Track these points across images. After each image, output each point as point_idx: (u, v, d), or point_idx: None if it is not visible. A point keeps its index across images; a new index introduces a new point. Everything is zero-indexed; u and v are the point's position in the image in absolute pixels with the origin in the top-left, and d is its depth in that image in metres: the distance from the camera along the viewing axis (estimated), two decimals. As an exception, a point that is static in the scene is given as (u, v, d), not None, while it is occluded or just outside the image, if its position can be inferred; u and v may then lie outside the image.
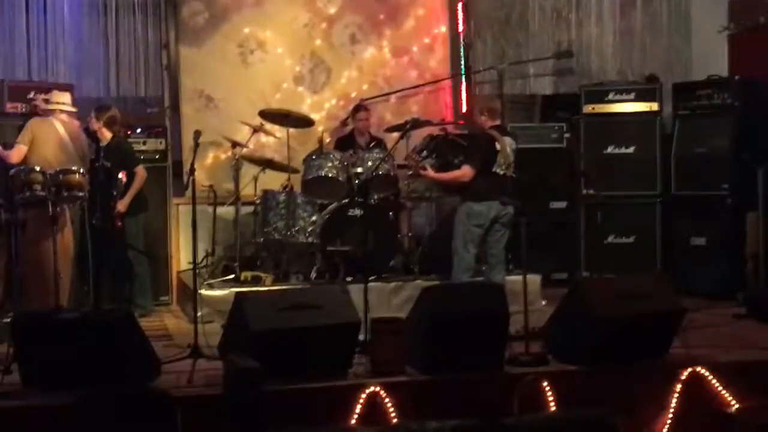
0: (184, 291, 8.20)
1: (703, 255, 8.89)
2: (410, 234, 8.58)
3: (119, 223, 7.79)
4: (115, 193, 7.72)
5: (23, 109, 8.23)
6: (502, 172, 7.29)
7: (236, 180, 8.39)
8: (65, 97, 7.66)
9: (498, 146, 7.28)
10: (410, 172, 8.17)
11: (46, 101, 7.62)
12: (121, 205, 7.78)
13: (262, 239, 8.22)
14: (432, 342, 5.59)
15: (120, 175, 7.68)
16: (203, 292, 7.52)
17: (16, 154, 7.15)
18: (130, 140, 8.35)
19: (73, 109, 7.65)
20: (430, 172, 7.67)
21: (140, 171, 7.94)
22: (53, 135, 7.33)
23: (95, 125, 7.92)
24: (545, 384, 5.43)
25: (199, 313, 6.58)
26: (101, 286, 7.80)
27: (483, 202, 7.20)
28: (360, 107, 9.16)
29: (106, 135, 7.93)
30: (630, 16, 10.45)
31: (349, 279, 7.75)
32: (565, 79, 10.34)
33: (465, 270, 7.23)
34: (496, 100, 7.83)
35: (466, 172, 7.29)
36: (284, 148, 8.61)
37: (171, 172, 8.73)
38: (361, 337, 5.75)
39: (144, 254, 8.08)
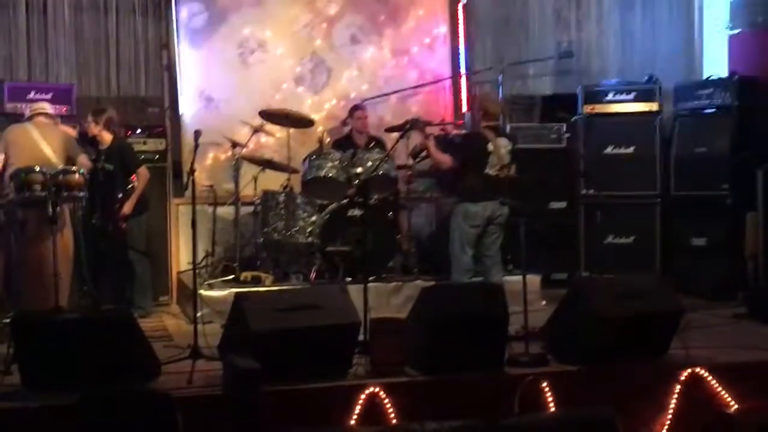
0: (184, 291, 8.21)
1: (702, 255, 8.89)
2: (410, 234, 8.58)
3: (123, 225, 7.82)
4: (120, 195, 7.76)
5: (23, 109, 8.23)
6: (494, 173, 7.28)
7: (236, 180, 8.38)
8: (43, 103, 7.70)
9: (491, 147, 7.27)
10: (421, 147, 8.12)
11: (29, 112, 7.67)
12: (127, 207, 7.80)
13: (261, 239, 8.22)
14: (432, 342, 5.59)
15: (132, 179, 7.74)
16: (203, 292, 7.52)
17: None
18: (130, 140, 8.37)
19: (51, 111, 7.64)
20: (432, 147, 7.66)
21: (143, 172, 7.96)
22: (25, 138, 7.30)
23: (94, 129, 7.93)
24: (545, 384, 5.43)
25: (198, 314, 6.58)
26: (101, 286, 7.83)
27: (478, 202, 7.21)
28: (357, 107, 9.16)
29: (107, 137, 7.94)
30: (630, 16, 10.45)
31: (348, 279, 7.75)
32: (565, 79, 10.32)
33: (464, 272, 7.24)
34: (494, 101, 7.80)
35: (446, 158, 7.38)
36: (284, 148, 8.62)
37: (171, 173, 8.75)
38: (360, 337, 5.75)
39: (145, 255, 8.08)
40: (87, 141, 7.92)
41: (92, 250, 7.79)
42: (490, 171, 7.25)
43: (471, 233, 7.24)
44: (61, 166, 6.97)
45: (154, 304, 8.31)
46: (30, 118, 7.51)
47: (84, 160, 7.56)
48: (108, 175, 7.81)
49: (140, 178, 7.91)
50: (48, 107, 7.64)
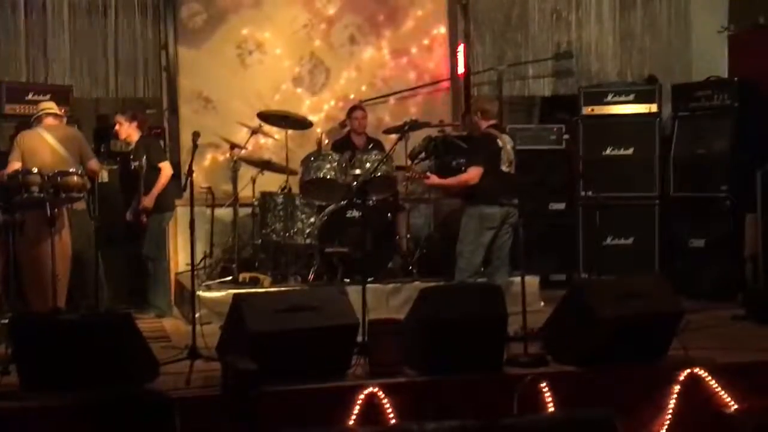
0: (182, 292, 8.19)
1: (701, 256, 8.89)
2: (408, 235, 8.56)
3: (144, 219, 7.85)
4: (143, 189, 7.81)
5: (21, 111, 8.23)
6: (507, 170, 7.27)
7: (234, 181, 8.38)
8: (49, 103, 7.71)
9: (500, 143, 7.26)
10: (409, 175, 8.15)
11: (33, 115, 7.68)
12: (147, 201, 7.82)
13: (260, 241, 8.22)
14: (430, 343, 5.58)
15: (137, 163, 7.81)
16: (201, 293, 7.51)
17: (9, 171, 7.16)
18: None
19: (59, 111, 7.65)
20: (435, 179, 7.63)
21: (165, 166, 7.97)
22: (41, 144, 7.34)
23: (127, 130, 8.05)
24: (544, 385, 5.42)
25: (197, 315, 6.56)
26: (118, 286, 7.89)
27: (495, 204, 7.16)
28: (355, 107, 9.17)
29: (134, 135, 8.07)
30: (629, 17, 10.45)
31: (347, 280, 7.74)
32: (565, 80, 10.33)
33: (472, 274, 7.19)
34: (490, 101, 7.79)
35: (472, 174, 7.22)
36: (282, 149, 8.61)
37: (170, 174, 8.75)
38: (359, 338, 5.75)
39: (146, 257, 8.07)
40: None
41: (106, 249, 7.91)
42: (504, 168, 7.24)
43: (488, 236, 7.17)
44: (72, 168, 6.98)
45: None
46: (38, 120, 7.51)
47: (94, 165, 7.62)
48: (136, 172, 7.91)
49: (162, 173, 7.92)
50: (54, 107, 7.65)
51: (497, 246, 7.29)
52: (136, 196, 7.93)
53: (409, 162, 8.25)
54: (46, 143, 7.35)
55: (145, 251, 8.02)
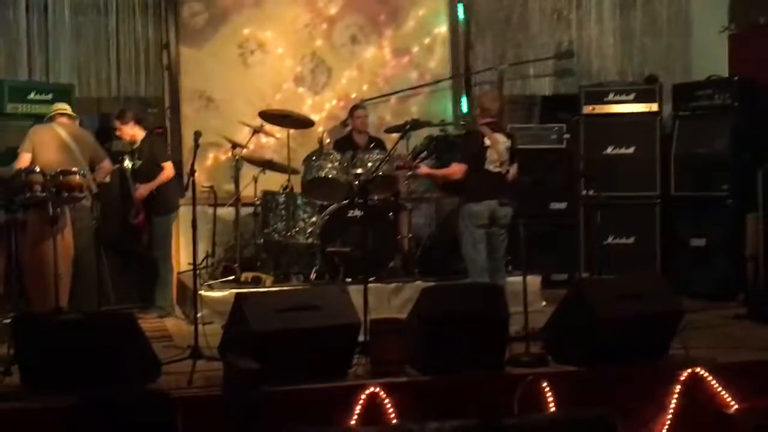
0: (184, 292, 8.20)
1: (702, 256, 8.89)
2: (410, 235, 8.57)
3: (140, 217, 7.85)
4: (137, 186, 7.83)
5: (24, 110, 8.24)
6: (495, 170, 7.26)
7: (236, 181, 8.39)
8: (63, 104, 7.72)
9: (487, 142, 7.25)
10: (409, 173, 8.15)
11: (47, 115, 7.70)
12: (143, 189, 7.84)
13: (262, 240, 8.22)
14: (432, 343, 5.59)
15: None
16: (203, 293, 7.53)
17: (19, 163, 7.17)
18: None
19: (72, 113, 7.68)
20: (424, 168, 7.69)
21: (168, 166, 7.99)
22: (54, 139, 7.36)
23: (129, 130, 8.04)
24: (545, 385, 5.43)
25: (199, 314, 6.58)
26: (125, 286, 7.90)
27: (482, 201, 7.18)
28: (357, 106, 9.19)
29: (140, 134, 8.08)
30: (630, 17, 10.46)
31: (348, 280, 7.75)
32: (565, 79, 10.33)
33: (480, 272, 7.18)
34: (493, 99, 7.79)
35: (455, 169, 7.30)
36: (284, 148, 8.62)
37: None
38: (361, 337, 5.76)
39: (156, 258, 8.07)
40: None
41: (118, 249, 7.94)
42: (490, 167, 7.23)
43: (479, 233, 7.21)
44: (79, 166, 7.00)
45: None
46: (51, 119, 7.53)
47: (108, 165, 7.64)
48: (136, 172, 7.92)
49: (163, 173, 7.95)
50: (68, 108, 7.68)
51: (493, 247, 7.31)
52: (130, 200, 7.94)
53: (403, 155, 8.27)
54: (59, 138, 7.37)
55: (154, 253, 8.03)
